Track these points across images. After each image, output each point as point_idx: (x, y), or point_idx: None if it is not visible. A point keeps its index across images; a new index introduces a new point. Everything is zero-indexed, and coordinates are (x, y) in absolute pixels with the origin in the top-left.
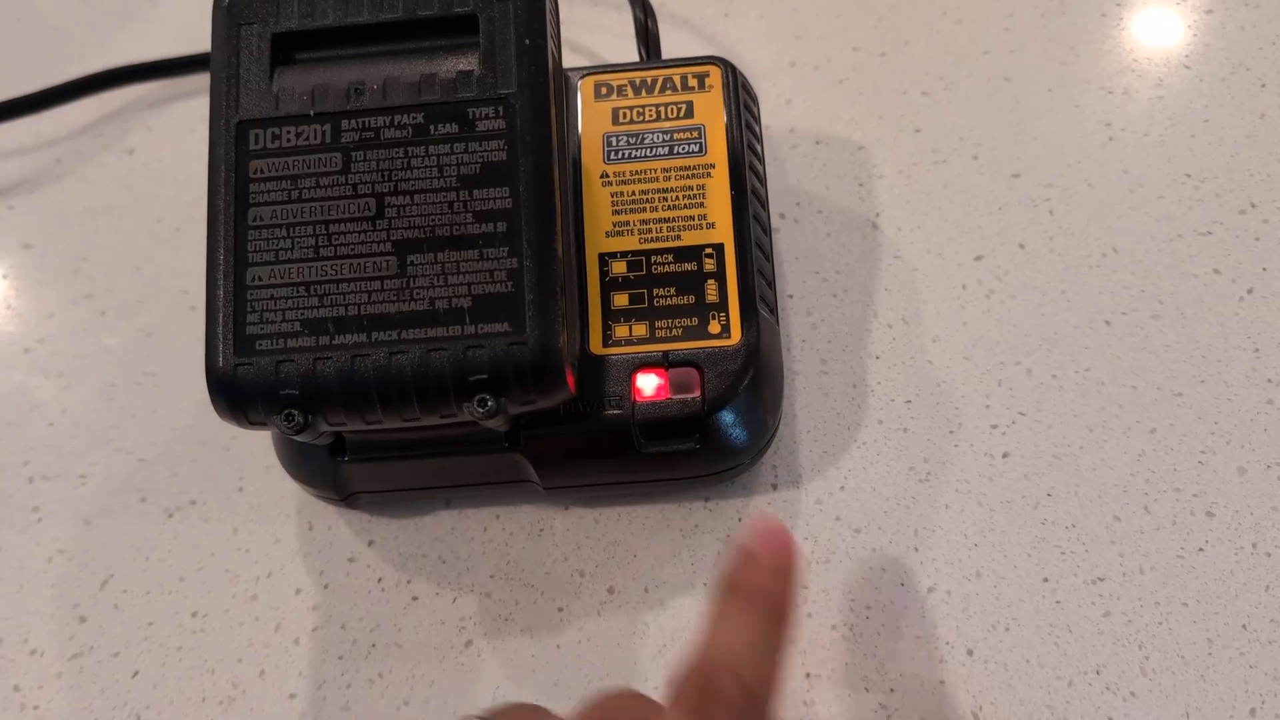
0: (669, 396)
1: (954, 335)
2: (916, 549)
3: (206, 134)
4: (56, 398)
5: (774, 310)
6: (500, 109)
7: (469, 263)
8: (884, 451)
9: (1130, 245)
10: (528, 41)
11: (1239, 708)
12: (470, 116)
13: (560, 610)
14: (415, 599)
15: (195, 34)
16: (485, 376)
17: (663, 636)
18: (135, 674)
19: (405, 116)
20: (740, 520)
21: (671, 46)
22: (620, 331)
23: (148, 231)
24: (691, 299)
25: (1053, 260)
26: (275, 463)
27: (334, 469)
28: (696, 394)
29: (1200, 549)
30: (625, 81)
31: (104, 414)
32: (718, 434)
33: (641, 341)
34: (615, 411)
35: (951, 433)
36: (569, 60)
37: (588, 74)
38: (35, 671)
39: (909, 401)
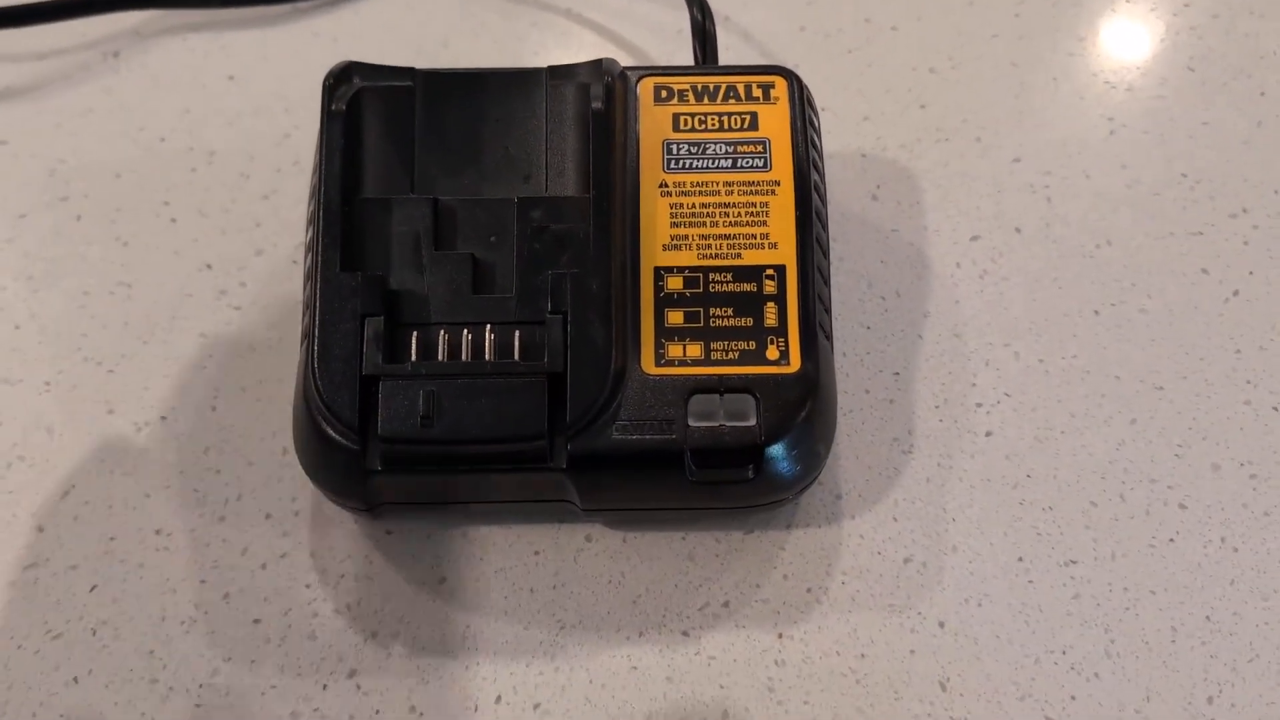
0: (723, 424)
1: (945, 313)
2: (895, 519)
3: (196, 42)
4: (25, 300)
5: (830, 337)
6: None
7: None
8: (869, 421)
9: (1124, 239)
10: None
11: (1197, 695)
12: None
13: (537, 554)
14: (389, 533)
15: None
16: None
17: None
18: (93, 588)
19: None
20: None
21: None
22: (674, 351)
23: (130, 139)
24: (749, 321)
25: (1047, 247)
26: (252, 384)
27: (364, 480)
28: (753, 422)
29: (1171, 539)
30: (687, 86)
31: (74, 321)
32: (772, 465)
33: (696, 363)
34: (667, 435)
35: (937, 408)
36: (620, 57)
37: (646, 75)
38: None
39: (897, 374)
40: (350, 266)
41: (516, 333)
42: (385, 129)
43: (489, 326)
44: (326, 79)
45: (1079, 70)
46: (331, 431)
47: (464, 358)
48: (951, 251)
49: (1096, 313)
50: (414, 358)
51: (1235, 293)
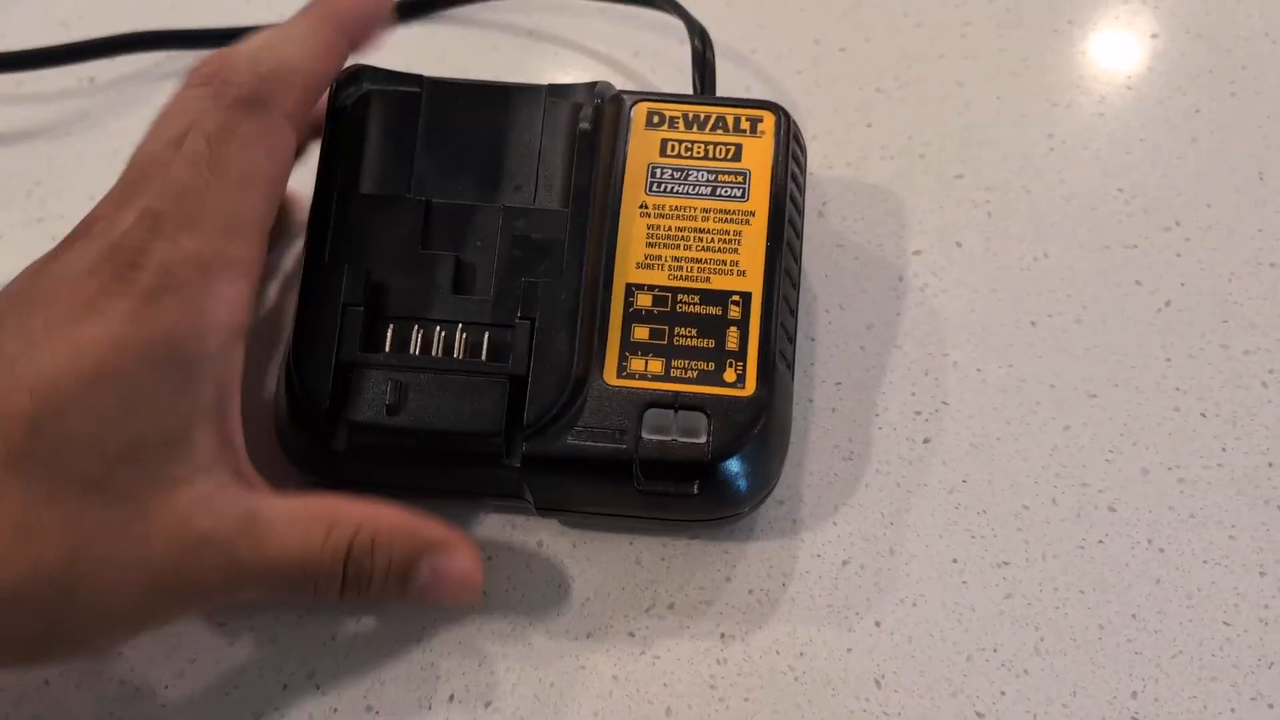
0: (674, 439)
1: (887, 324)
2: (835, 524)
3: (171, 66)
4: None
5: (790, 365)
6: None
7: None
8: (812, 428)
9: (1061, 251)
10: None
11: (1122, 690)
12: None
13: (490, 559)
14: None
15: None
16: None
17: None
18: None
19: None
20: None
21: (633, 22)
22: (636, 365)
23: (104, 162)
24: (711, 343)
25: (987, 260)
26: None
27: (332, 461)
28: (703, 440)
29: (1100, 541)
30: (679, 114)
31: None
32: (718, 482)
33: (656, 379)
34: (619, 445)
35: (877, 416)
36: (619, 83)
37: (641, 100)
38: None
39: (839, 383)
40: (339, 258)
41: (487, 334)
42: (389, 130)
43: (461, 326)
44: (335, 80)
45: (1022, 89)
46: (305, 412)
47: (435, 353)
48: (895, 265)
49: (1033, 323)
50: (388, 349)
51: (1167, 303)
